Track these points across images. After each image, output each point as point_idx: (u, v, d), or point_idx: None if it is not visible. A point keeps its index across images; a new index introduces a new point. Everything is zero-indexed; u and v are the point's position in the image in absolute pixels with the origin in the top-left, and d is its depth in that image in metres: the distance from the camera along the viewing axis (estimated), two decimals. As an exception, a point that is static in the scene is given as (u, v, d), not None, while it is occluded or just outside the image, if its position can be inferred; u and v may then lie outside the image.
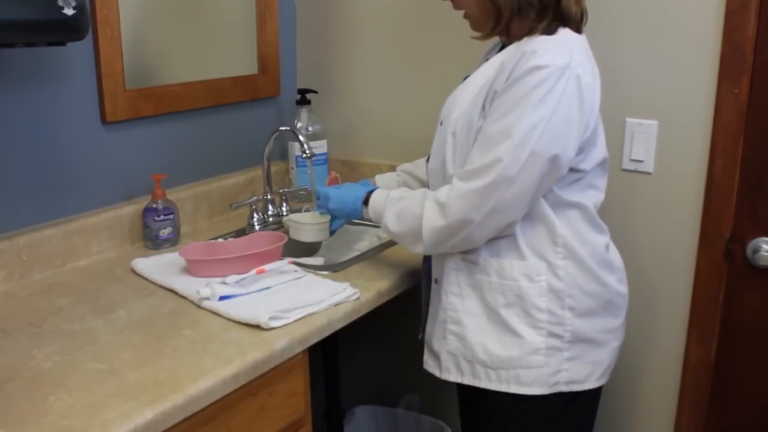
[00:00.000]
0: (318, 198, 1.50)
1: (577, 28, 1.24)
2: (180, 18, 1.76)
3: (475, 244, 1.25)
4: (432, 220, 1.24)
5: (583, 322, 1.27)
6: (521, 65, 1.16)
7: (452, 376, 1.32)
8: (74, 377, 1.08)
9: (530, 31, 1.21)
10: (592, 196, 1.29)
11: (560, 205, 1.25)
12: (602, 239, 1.31)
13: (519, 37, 1.23)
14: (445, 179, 1.27)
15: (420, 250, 1.30)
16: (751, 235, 1.51)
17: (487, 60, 1.36)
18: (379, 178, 1.63)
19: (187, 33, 1.79)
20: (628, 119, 1.60)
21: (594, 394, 1.34)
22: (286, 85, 2.09)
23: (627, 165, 1.62)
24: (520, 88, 1.15)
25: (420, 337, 1.45)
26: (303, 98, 2.00)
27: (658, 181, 1.59)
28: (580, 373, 1.28)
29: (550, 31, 1.20)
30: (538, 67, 1.14)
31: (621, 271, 1.35)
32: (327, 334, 1.30)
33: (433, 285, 1.37)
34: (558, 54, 1.15)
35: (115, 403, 1.01)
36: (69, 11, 1.21)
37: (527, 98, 1.14)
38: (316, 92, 2.02)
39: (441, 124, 1.31)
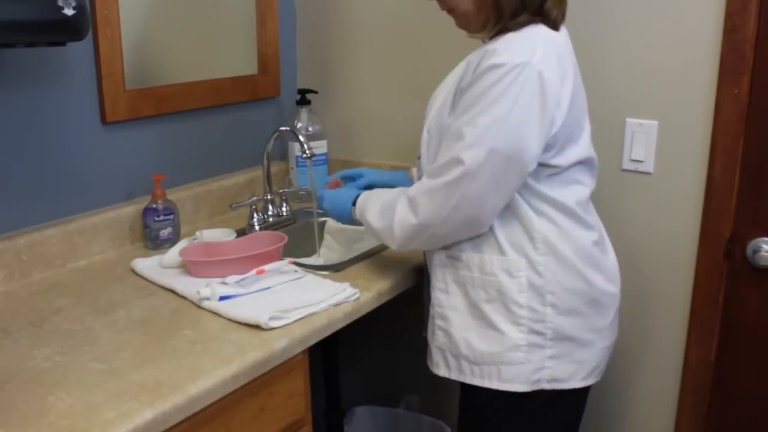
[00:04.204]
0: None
1: (555, 26, 1.23)
2: (180, 18, 1.76)
3: (440, 243, 1.28)
4: (404, 217, 1.26)
5: (565, 320, 1.26)
6: (482, 63, 1.17)
7: (441, 371, 1.35)
8: (74, 377, 1.08)
9: (503, 30, 1.21)
10: (575, 192, 1.27)
11: (538, 199, 1.24)
12: (588, 235, 1.28)
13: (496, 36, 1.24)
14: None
15: (393, 246, 1.32)
16: (751, 235, 1.51)
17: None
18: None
19: (187, 33, 1.79)
20: (628, 119, 1.60)
21: (580, 393, 1.33)
22: (286, 85, 2.09)
23: (627, 165, 1.62)
24: (478, 87, 1.17)
25: (424, 334, 1.45)
26: (303, 98, 2.00)
27: (658, 181, 1.59)
28: (564, 371, 1.27)
29: (518, 27, 1.20)
30: (495, 66, 1.15)
31: (611, 270, 1.33)
32: (327, 334, 1.30)
33: (425, 282, 1.40)
34: (517, 52, 1.15)
35: (115, 403, 1.01)
36: (69, 11, 1.21)
37: (484, 96, 1.16)
38: (316, 92, 2.02)
39: (424, 126, 1.34)
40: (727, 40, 1.44)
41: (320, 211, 1.55)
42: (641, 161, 1.59)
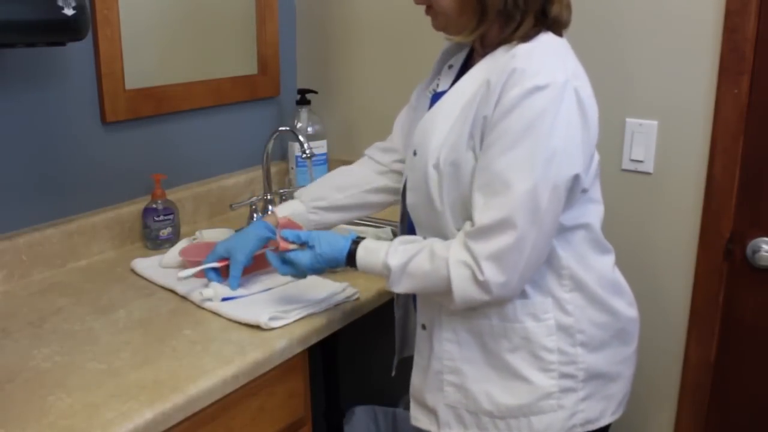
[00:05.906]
0: (296, 269, 1.22)
1: (560, 33, 1.12)
2: (180, 18, 1.76)
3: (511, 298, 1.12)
4: (470, 293, 1.06)
5: (596, 357, 1.16)
6: (514, 85, 1.01)
7: (453, 431, 1.18)
8: (74, 377, 1.08)
9: (505, 38, 1.08)
10: (595, 212, 1.16)
11: (565, 230, 1.11)
12: (608, 260, 1.19)
13: (493, 45, 1.11)
14: (434, 216, 1.13)
15: (450, 307, 1.14)
16: (751, 235, 1.51)
17: (450, 67, 1.23)
18: (282, 210, 1.40)
19: (187, 33, 1.79)
20: (628, 119, 1.60)
21: (605, 429, 1.22)
22: (286, 85, 2.09)
23: (627, 165, 1.62)
24: (523, 116, 1.01)
25: (393, 374, 1.42)
26: (303, 98, 2.00)
27: (658, 181, 1.59)
28: (595, 410, 1.17)
29: (528, 37, 1.07)
30: (538, 88, 1.00)
31: (629, 291, 1.23)
32: (327, 334, 1.30)
33: (420, 331, 1.22)
34: (554, 68, 1.03)
35: (115, 403, 1.01)
36: (69, 11, 1.21)
37: (535, 128, 1.01)
38: (316, 92, 2.02)
39: (415, 154, 1.15)
40: (727, 40, 1.44)
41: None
42: (641, 161, 1.59)
